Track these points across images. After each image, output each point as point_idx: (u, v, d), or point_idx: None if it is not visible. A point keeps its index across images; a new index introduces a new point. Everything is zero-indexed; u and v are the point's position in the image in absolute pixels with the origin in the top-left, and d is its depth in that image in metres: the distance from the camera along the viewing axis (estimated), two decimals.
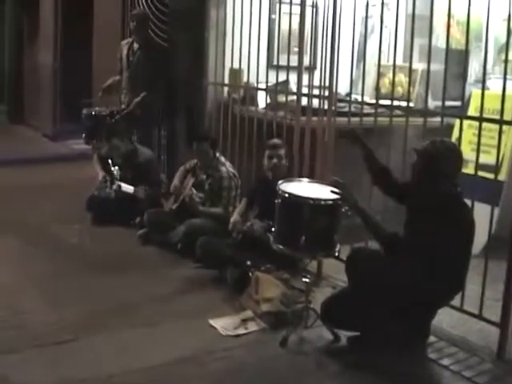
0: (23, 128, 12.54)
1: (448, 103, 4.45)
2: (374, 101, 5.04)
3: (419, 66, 6.07)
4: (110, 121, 6.98)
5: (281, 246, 3.95)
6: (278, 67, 5.69)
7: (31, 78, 12.41)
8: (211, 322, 4.17)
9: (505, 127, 4.06)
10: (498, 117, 4.10)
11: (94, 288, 4.70)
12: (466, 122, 4.81)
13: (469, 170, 4.58)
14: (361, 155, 4.21)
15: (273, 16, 6.08)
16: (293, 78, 5.61)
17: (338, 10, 4.93)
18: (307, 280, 4.05)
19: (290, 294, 4.36)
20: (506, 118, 4.03)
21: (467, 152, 5.09)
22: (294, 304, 4.25)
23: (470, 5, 4.05)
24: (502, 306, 3.90)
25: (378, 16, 4.87)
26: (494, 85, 5.74)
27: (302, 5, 5.29)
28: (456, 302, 4.03)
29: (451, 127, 5.40)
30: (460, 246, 3.67)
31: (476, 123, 4.40)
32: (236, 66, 6.16)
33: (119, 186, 6.16)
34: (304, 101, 5.38)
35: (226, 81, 6.47)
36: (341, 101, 5.31)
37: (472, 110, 5.71)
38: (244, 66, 6.03)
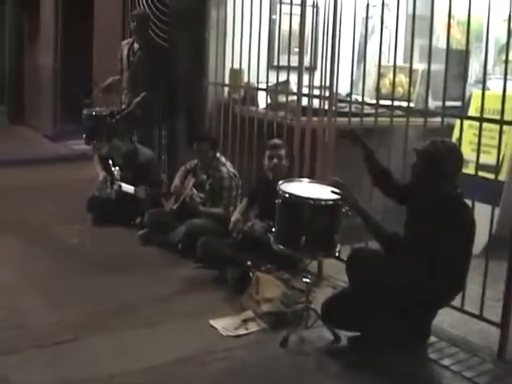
0: (23, 128, 12.55)
1: (448, 103, 4.45)
2: (374, 101, 5.03)
3: (420, 66, 6.07)
4: (110, 121, 6.99)
5: (281, 246, 3.95)
6: (279, 67, 5.69)
7: (31, 78, 12.42)
8: (212, 322, 4.17)
9: (505, 127, 4.06)
10: (498, 117, 4.10)
11: (94, 288, 4.70)
12: (466, 123, 4.81)
13: (469, 170, 4.58)
14: (361, 156, 4.21)
15: (273, 16, 6.08)
16: (293, 78, 5.61)
17: (339, 11, 4.93)
18: (308, 280, 4.05)
19: (290, 294, 4.36)
20: (507, 118, 4.02)
21: (468, 152, 5.09)
22: (295, 304, 4.25)
23: (470, 5, 4.06)
24: (502, 306, 3.90)
25: (379, 16, 4.88)
26: (495, 85, 5.74)
27: (303, 5, 5.29)
28: (457, 302, 4.03)
29: (452, 127, 5.40)
30: (460, 246, 3.67)
31: (476, 123, 4.40)
32: (236, 66, 6.16)
33: (120, 187, 6.17)
34: (304, 101, 5.38)
35: (227, 81, 6.47)
36: (341, 101, 5.31)
37: (472, 111, 5.71)
38: (244, 66, 6.03)
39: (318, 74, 5.27)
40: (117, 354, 3.76)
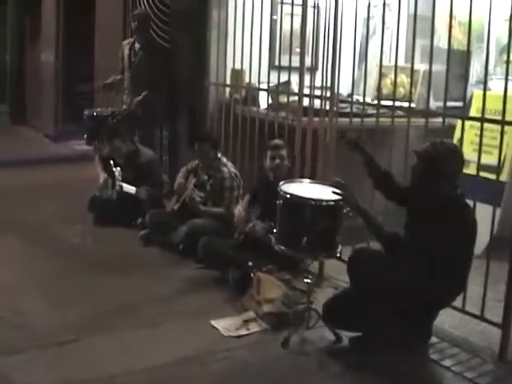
0: (25, 129, 12.56)
1: (450, 104, 4.44)
2: (375, 101, 5.03)
3: (421, 66, 6.07)
4: (111, 121, 6.99)
5: (282, 247, 3.95)
6: (280, 68, 5.69)
7: (33, 78, 12.43)
8: (213, 322, 4.17)
9: (506, 128, 4.05)
10: (499, 117, 4.10)
11: (95, 288, 4.70)
12: (467, 123, 4.80)
13: (471, 170, 4.57)
14: (361, 160, 4.21)
15: (274, 17, 6.08)
16: (294, 78, 5.62)
17: (340, 11, 4.93)
18: (309, 281, 4.05)
19: (291, 294, 4.36)
20: (508, 118, 4.02)
21: (469, 152, 5.09)
22: (296, 305, 4.25)
23: (471, 5, 4.05)
24: (503, 306, 3.89)
25: (380, 17, 4.88)
26: (496, 85, 5.74)
27: (304, 5, 5.29)
28: (458, 302, 4.02)
29: (453, 128, 5.40)
30: (461, 246, 3.67)
31: (478, 124, 4.40)
32: (238, 66, 6.16)
33: (121, 187, 6.17)
34: (306, 101, 5.38)
35: (228, 81, 6.47)
36: (342, 101, 5.31)
37: (474, 111, 5.70)
38: (246, 67, 6.03)
39: (319, 74, 5.27)
40: (118, 354, 3.76)
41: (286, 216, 3.96)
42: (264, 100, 6.10)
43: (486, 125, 4.19)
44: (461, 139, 4.29)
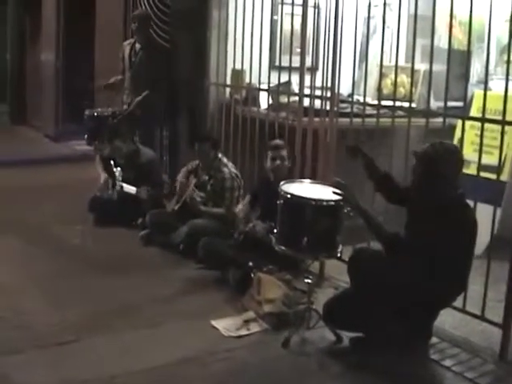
0: (25, 129, 12.55)
1: (450, 104, 4.44)
2: (376, 101, 5.03)
3: (421, 66, 6.07)
4: (112, 122, 6.99)
5: (283, 247, 3.95)
6: (280, 68, 5.69)
7: (33, 78, 12.43)
8: (213, 322, 4.17)
9: (507, 128, 4.05)
10: (500, 117, 4.10)
11: (96, 289, 4.70)
12: (468, 123, 4.81)
13: (471, 170, 4.57)
14: (362, 162, 4.21)
15: (275, 17, 6.08)
16: (295, 78, 5.61)
17: (340, 11, 4.93)
18: (309, 281, 4.05)
19: (292, 294, 4.36)
20: (508, 118, 4.02)
21: (469, 153, 5.10)
22: (296, 305, 4.25)
23: (472, 5, 4.05)
24: (504, 306, 3.89)
25: (380, 16, 4.87)
26: (496, 85, 5.73)
27: (304, 5, 5.29)
28: (458, 302, 4.02)
29: (453, 128, 5.40)
30: (461, 246, 3.67)
31: (478, 124, 4.40)
32: (238, 66, 6.16)
33: (121, 187, 6.17)
34: (306, 102, 5.37)
35: (228, 81, 6.47)
36: (343, 102, 5.31)
37: (474, 111, 5.70)
38: (246, 67, 6.03)
39: (319, 74, 5.27)
40: (118, 354, 3.76)
41: (287, 216, 3.96)
42: (264, 100, 6.10)
43: (486, 125, 4.19)
44: (461, 139, 4.29)
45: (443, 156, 3.68)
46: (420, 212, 3.80)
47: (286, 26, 5.72)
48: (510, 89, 3.91)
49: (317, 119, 5.24)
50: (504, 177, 5.34)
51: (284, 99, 5.75)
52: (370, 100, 5.64)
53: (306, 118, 5.33)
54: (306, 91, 5.35)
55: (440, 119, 4.49)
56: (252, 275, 4.55)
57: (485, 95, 4.07)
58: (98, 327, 4.09)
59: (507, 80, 3.88)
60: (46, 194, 7.25)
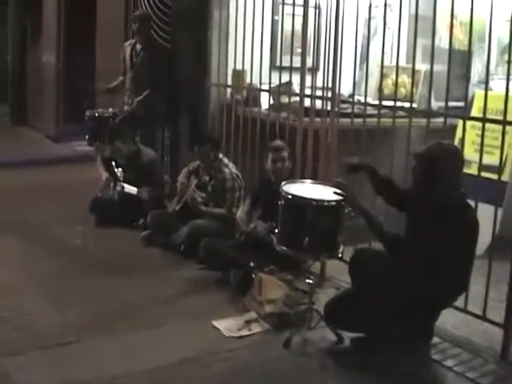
0: (26, 129, 12.57)
1: (451, 104, 4.44)
2: (376, 102, 5.03)
3: (422, 66, 6.06)
4: (112, 123, 7.00)
5: (284, 248, 3.95)
6: (281, 68, 5.69)
7: (34, 78, 12.44)
8: (215, 323, 4.17)
9: (508, 128, 4.05)
10: (501, 117, 4.10)
11: (97, 289, 4.70)
12: (469, 123, 4.81)
13: (472, 170, 4.57)
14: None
15: (276, 17, 6.07)
16: (296, 79, 5.61)
17: (341, 11, 4.92)
18: (310, 281, 4.05)
19: (293, 295, 4.36)
20: (509, 118, 4.02)
21: (470, 153, 5.10)
22: (298, 305, 4.25)
23: (472, 5, 4.05)
24: (505, 306, 3.89)
25: (381, 17, 4.87)
26: (497, 85, 5.73)
27: (305, 6, 5.29)
28: (460, 302, 4.02)
29: (454, 128, 5.40)
30: (462, 246, 3.66)
31: (479, 124, 4.40)
32: (239, 66, 6.16)
33: (122, 188, 6.17)
34: (307, 102, 5.37)
35: (229, 82, 6.47)
36: (344, 102, 5.31)
37: (475, 111, 5.70)
38: (247, 67, 6.03)
39: (320, 74, 5.27)
40: (120, 355, 3.76)
41: (288, 216, 3.96)
42: (265, 100, 6.10)
43: (487, 125, 4.18)
44: (462, 139, 4.29)
45: (442, 157, 3.68)
46: (421, 212, 3.80)
47: (287, 27, 5.73)
48: (510, 89, 3.91)
49: (318, 119, 5.24)
50: (505, 177, 5.34)
51: (285, 99, 5.75)
52: (371, 100, 5.63)
53: (307, 119, 5.32)
54: (307, 91, 5.35)
55: (441, 119, 4.48)
56: (253, 275, 4.55)
57: (486, 95, 4.07)
58: (99, 328, 4.09)
59: (508, 80, 3.88)
60: (47, 195, 7.25)
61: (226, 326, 4.14)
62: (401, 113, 4.92)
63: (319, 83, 5.23)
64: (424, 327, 3.91)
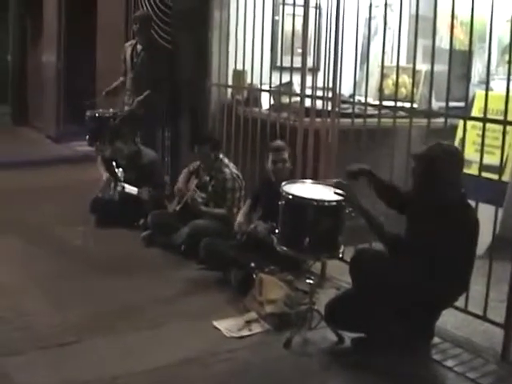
0: (27, 130, 12.57)
1: (452, 104, 4.44)
2: (377, 102, 5.03)
3: (423, 66, 6.06)
4: (113, 123, 7.00)
5: (285, 248, 3.95)
6: (282, 68, 5.69)
7: (35, 78, 12.45)
8: (215, 323, 4.17)
9: (508, 128, 4.05)
10: (501, 117, 4.09)
11: (97, 290, 4.70)
12: (469, 123, 4.80)
13: (473, 170, 4.57)
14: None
15: (276, 17, 6.07)
16: (296, 79, 5.61)
17: (342, 12, 4.92)
18: (311, 281, 4.05)
19: (293, 295, 4.36)
20: (510, 118, 4.01)
21: (471, 153, 5.10)
22: (298, 305, 4.25)
23: (473, 6, 4.05)
24: (506, 307, 3.88)
25: (382, 17, 4.87)
26: (498, 86, 5.73)
27: (306, 6, 5.28)
28: (460, 303, 4.02)
29: (455, 128, 5.39)
30: (463, 247, 3.66)
31: (480, 124, 4.39)
32: (239, 67, 6.16)
33: (123, 188, 6.17)
34: (307, 102, 5.37)
35: (230, 82, 6.47)
36: (344, 102, 5.31)
37: (476, 111, 5.70)
38: (247, 68, 6.03)
39: (321, 75, 5.27)
40: (120, 355, 3.76)
41: (288, 217, 3.96)
42: (266, 101, 6.10)
43: (488, 125, 4.18)
44: (463, 139, 4.28)
45: (442, 157, 3.67)
46: (421, 212, 3.80)
47: (288, 27, 5.73)
48: (511, 89, 3.91)
49: (318, 120, 5.24)
50: (506, 177, 5.33)
51: (285, 100, 5.75)
52: (372, 100, 5.63)
53: (308, 119, 5.32)
54: (308, 92, 5.35)
55: (441, 119, 4.48)
56: (254, 276, 4.54)
57: (486, 95, 4.07)
58: (100, 328, 4.09)
59: (509, 80, 3.88)
60: (48, 195, 7.25)
61: (227, 326, 4.14)
62: (401, 113, 4.92)
63: (320, 83, 5.24)
64: (424, 327, 3.91)
